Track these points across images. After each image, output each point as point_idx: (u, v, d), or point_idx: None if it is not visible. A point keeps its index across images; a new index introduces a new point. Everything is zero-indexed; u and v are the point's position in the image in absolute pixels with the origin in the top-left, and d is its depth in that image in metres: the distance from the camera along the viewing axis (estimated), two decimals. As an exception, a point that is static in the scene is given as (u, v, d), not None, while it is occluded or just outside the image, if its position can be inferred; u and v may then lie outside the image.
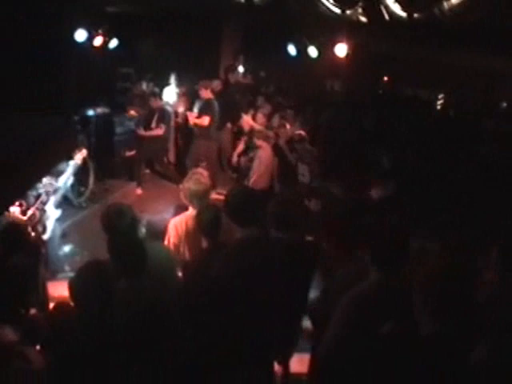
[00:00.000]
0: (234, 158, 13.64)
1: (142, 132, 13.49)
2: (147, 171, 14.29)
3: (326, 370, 4.73)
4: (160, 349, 4.41)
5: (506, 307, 4.77)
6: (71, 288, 4.69)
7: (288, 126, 12.32)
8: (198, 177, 6.57)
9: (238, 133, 14.46)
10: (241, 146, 13.57)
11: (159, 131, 13.56)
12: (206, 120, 13.21)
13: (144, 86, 15.21)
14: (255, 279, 5.05)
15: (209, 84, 13.80)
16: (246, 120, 13.94)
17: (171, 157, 15.08)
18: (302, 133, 12.63)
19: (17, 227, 7.11)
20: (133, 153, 14.01)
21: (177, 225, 6.36)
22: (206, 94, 13.51)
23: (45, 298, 6.84)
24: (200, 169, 7.93)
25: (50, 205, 8.75)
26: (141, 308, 4.78)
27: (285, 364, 6.24)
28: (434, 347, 3.64)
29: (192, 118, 13.48)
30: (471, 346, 3.79)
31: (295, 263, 5.61)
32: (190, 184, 6.46)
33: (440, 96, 23.42)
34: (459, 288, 3.71)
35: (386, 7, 8.18)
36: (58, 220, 9.17)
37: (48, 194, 8.79)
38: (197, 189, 6.40)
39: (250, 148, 12.72)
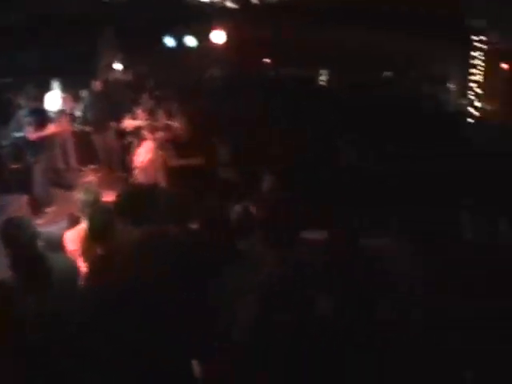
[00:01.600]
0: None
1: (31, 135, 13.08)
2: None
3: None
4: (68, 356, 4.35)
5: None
6: None
7: (173, 125, 12.25)
8: (88, 186, 6.47)
9: (123, 133, 14.27)
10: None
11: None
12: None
13: (28, 94, 14.80)
14: (155, 276, 4.98)
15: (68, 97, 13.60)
16: (127, 123, 13.80)
17: (59, 162, 14.77)
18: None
19: None
20: (19, 165, 13.63)
21: (72, 238, 6.19)
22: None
23: None
24: (89, 175, 7.82)
25: None
26: (47, 321, 4.68)
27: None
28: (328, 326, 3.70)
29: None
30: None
31: (193, 255, 5.60)
32: (79, 195, 6.33)
33: (321, 72, 23.85)
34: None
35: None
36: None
37: None
38: (86, 199, 6.24)
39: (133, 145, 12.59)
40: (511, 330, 4.36)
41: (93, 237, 5.74)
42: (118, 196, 5.62)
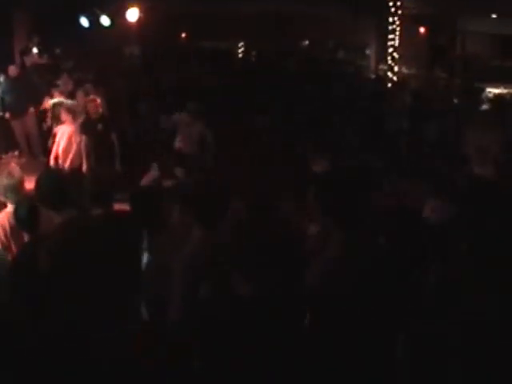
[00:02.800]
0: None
1: None
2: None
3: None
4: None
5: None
6: None
7: (98, 101, 12.16)
8: (10, 170, 6.39)
9: (42, 115, 14.13)
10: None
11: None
12: None
13: None
14: (82, 261, 5.01)
15: None
16: (46, 103, 13.68)
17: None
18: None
19: None
20: None
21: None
22: None
23: None
24: (11, 160, 7.74)
25: None
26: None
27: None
28: (251, 308, 3.76)
29: None
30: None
31: (119, 236, 5.67)
32: (1, 179, 6.30)
33: (240, 45, 23.95)
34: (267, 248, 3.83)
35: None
36: None
37: None
38: (9, 183, 6.14)
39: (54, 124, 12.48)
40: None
41: (19, 224, 5.77)
42: (37, 182, 5.60)
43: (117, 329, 4.86)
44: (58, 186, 5.46)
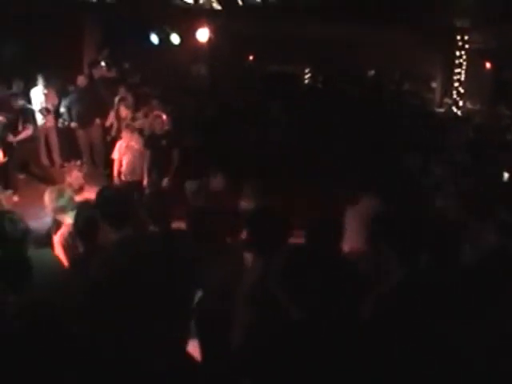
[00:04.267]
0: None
1: (11, 139, 13.02)
2: (22, 176, 13.82)
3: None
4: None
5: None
6: None
7: (164, 117, 12.24)
8: (60, 189, 6.39)
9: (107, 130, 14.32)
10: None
11: (27, 132, 13.16)
12: None
13: (14, 88, 14.72)
14: (134, 278, 5.01)
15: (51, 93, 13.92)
16: (111, 117, 13.86)
17: (43, 158, 14.78)
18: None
19: None
20: (4, 160, 13.51)
21: (60, 242, 6.15)
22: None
23: None
24: (74, 168, 7.82)
25: None
26: (31, 321, 4.70)
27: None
28: (302, 333, 3.68)
29: None
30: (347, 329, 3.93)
31: (173, 255, 5.65)
32: (53, 196, 6.31)
33: (307, 70, 23.95)
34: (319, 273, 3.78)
35: (240, -8, 8.27)
36: None
37: None
38: (60, 204, 6.25)
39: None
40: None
41: (77, 234, 5.78)
42: (98, 198, 5.59)
43: (167, 343, 4.86)
44: (119, 205, 5.40)
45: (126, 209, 5.46)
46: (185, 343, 5.41)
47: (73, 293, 4.92)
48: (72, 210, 6.20)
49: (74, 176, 7.48)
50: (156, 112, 12.73)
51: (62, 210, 6.26)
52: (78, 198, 6.85)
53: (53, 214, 6.38)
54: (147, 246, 5.50)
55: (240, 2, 8.32)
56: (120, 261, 5.17)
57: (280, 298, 3.82)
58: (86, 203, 6.34)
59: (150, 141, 11.62)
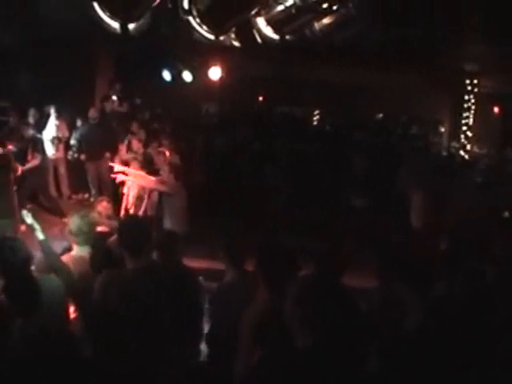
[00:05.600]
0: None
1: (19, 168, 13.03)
2: (30, 206, 13.80)
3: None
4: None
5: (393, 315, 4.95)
6: None
7: (167, 154, 12.29)
8: (83, 214, 6.44)
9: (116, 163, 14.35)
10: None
11: (35, 162, 13.15)
12: None
13: (29, 118, 14.80)
14: (146, 308, 5.14)
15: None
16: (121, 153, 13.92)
17: (52, 189, 14.80)
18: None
19: None
20: (14, 188, 13.49)
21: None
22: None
23: None
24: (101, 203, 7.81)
25: None
26: (37, 343, 4.72)
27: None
28: (309, 361, 3.69)
29: None
30: (356, 357, 3.95)
31: (182, 287, 5.73)
32: (76, 219, 6.34)
33: (316, 112, 24.09)
34: (330, 302, 3.81)
35: (259, 31, 8.35)
36: None
37: None
38: (81, 228, 6.27)
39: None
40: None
41: (93, 266, 5.82)
42: (121, 228, 5.62)
43: (178, 365, 5.03)
44: (140, 235, 5.45)
45: (145, 239, 5.49)
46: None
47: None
48: (87, 235, 6.25)
49: (104, 205, 7.51)
50: (160, 148, 12.80)
51: (78, 233, 6.29)
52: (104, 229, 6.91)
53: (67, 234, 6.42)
54: (162, 276, 5.56)
55: (259, 39, 8.37)
56: (137, 289, 5.25)
57: (291, 327, 3.85)
58: (102, 235, 6.41)
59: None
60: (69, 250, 6.53)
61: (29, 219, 6.01)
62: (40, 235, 5.89)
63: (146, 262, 5.53)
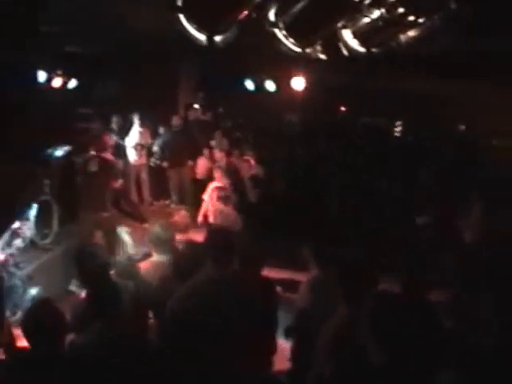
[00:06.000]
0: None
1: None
2: (112, 211, 14.00)
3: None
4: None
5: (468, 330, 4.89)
6: (22, 326, 4.59)
7: (252, 162, 12.34)
8: (163, 223, 6.51)
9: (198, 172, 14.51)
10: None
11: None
12: None
13: (113, 125, 15.06)
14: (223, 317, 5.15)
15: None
16: (202, 163, 14.02)
17: (133, 195, 15.00)
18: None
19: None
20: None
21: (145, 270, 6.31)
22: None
23: (10, 338, 6.46)
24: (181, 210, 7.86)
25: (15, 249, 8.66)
26: (115, 347, 4.77)
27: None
28: (383, 377, 3.71)
29: None
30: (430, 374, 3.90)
31: (258, 301, 5.69)
32: (156, 228, 6.44)
33: (398, 123, 23.80)
34: (404, 320, 3.79)
35: (345, 43, 8.32)
36: (24, 263, 9.13)
37: (15, 237, 8.73)
38: (161, 236, 6.37)
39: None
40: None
41: (176, 274, 5.86)
42: (208, 236, 5.70)
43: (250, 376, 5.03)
44: (228, 245, 5.56)
45: (230, 249, 5.56)
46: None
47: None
48: (166, 245, 6.29)
49: (181, 215, 7.58)
50: (245, 157, 12.85)
51: (156, 242, 6.36)
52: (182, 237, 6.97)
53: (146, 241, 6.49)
54: (242, 286, 5.60)
55: (345, 52, 8.33)
56: (218, 299, 5.28)
57: (367, 343, 3.82)
58: (191, 243, 6.44)
59: (236, 185, 11.73)
60: (149, 255, 6.64)
61: (125, 236, 6.15)
62: (131, 250, 6.02)
63: (229, 271, 5.57)
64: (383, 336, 3.77)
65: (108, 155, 11.49)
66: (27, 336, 4.53)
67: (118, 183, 11.92)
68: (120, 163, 13.25)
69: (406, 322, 3.81)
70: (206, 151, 14.41)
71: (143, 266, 6.37)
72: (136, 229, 11.83)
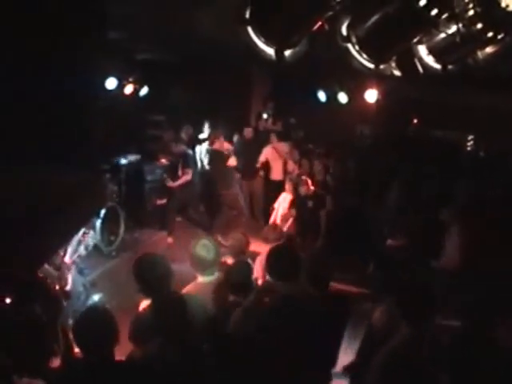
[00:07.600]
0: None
1: (170, 184, 13.27)
2: (179, 219, 14.03)
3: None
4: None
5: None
6: (73, 331, 4.60)
7: (310, 183, 12.23)
8: (206, 243, 6.26)
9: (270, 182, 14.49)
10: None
11: (187, 177, 13.37)
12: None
13: (183, 134, 15.10)
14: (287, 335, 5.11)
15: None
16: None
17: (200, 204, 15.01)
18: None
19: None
20: (164, 201, 13.76)
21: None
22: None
23: (68, 345, 6.40)
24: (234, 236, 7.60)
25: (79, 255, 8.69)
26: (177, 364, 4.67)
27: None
28: None
29: None
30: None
31: (327, 318, 5.57)
32: (197, 250, 6.20)
33: (469, 138, 23.38)
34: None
35: (420, 60, 8.15)
36: (88, 269, 9.17)
37: (79, 245, 8.75)
38: (204, 257, 6.16)
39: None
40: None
41: (231, 288, 5.83)
42: (272, 254, 5.70)
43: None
44: (292, 262, 5.57)
45: (296, 266, 5.56)
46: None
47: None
48: (212, 268, 6.17)
49: (238, 238, 7.32)
50: (303, 177, 12.79)
51: (199, 265, 6.20)
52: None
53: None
54: (307, 304, 5.52)
55: (420, 68, 8.14)
56: (279, 317, 5.25)
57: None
58: (244, 262, 6.34)
59: (297, 199, 11.68)
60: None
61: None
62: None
63: (294, 287, 5.52)
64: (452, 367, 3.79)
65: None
66: (77, 343, 4.51)
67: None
68: (189, 172, 13.30)
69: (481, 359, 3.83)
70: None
71: (188, 288, 6.17)
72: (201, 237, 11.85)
